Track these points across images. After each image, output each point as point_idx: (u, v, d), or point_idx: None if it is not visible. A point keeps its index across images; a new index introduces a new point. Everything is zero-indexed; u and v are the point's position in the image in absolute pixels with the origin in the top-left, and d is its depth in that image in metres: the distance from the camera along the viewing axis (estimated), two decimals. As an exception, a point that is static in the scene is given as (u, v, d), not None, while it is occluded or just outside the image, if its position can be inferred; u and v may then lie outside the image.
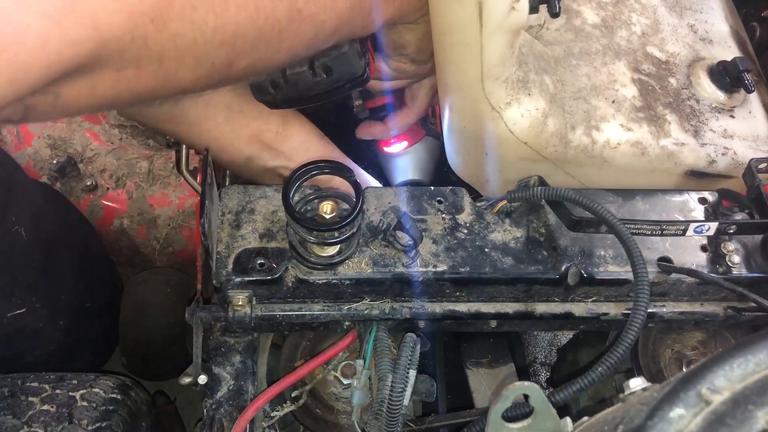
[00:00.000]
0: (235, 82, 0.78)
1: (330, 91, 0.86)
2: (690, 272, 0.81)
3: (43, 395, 0.90)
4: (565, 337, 1.22)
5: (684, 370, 0.85)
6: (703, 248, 0.85)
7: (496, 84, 0.77)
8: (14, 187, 1.10)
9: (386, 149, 1.15)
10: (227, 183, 1.01)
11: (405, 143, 1.14)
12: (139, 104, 0.78)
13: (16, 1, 0.51)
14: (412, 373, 0.79)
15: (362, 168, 1.08)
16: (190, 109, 0.88)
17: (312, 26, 0.73)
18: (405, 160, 1.16)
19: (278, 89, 0.85)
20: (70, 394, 0.91)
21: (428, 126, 1.16)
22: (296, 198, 0.77)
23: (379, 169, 1.20)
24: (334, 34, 0.77)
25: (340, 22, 0.76)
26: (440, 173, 1.18)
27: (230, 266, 0.78)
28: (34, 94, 0.57)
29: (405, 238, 0.79)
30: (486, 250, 0.82)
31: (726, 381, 0.40)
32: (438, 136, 1.16)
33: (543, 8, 0.73)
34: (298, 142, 0.94)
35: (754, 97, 0.95)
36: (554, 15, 0.72)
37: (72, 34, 0.54)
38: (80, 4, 0.54)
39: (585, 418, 0.54)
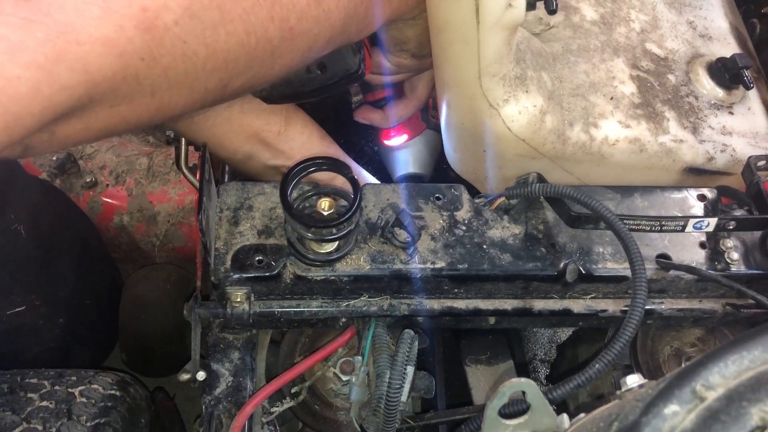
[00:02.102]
0: (231, 99, 0.79)
1: (324, 87, 0.86)
2: (689, 269, 0.81)
3: (42, 391, 0.90)
4: (564, 334, 1.22)
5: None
6: (702, 245, 0.84)
7: (494, 81, 0.77)
8: (13, 185, 1.11)
9: (387, 142, 1.15)
10: (226, 180, 1.01)
11: (405, 136, 1.14)
12: (134, 130, 0.78)
13: (7, 56, 0.53)
14: (410, 369, 0.79)
15: (362, 163, 1.07)
16: None
17: (305, 41, 0.73)
18: (405, 153, 1.16)
19: (273, 86, 0.85)
20: (69, 390, 0.91)
21: (429, 119, 1.15)
22: (294, 195, 0.77)
23: (380, 164, 1.19)
24: (328, 44, 0.77)
25: (334, 33, 0.76)
26: (441, 167, 1.18)
27: (228, 263, 0.78)
28: (30, 136, 0.58)
29: (403, 235, 0.79)
30: (484, 246, 0.82)
31: (720, 377, 0.40)
32: (438, 130, 1.16)
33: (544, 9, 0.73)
34: (299, 143, 0.93)
35: (753, 94, 0.94)
36: (551, 12, 0.72)
37: (63, 80, 0.56)
38: (70, 52, 0.55)
39: (582, 415, 0.54)
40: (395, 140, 1.14)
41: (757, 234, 0.85)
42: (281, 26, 0.69)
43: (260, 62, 0.71)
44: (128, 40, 0.58)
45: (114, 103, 0.62)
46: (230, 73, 0.69)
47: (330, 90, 0.87)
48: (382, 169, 1.20)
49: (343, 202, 0.77)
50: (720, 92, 0.92)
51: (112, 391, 0.94)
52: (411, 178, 1.16)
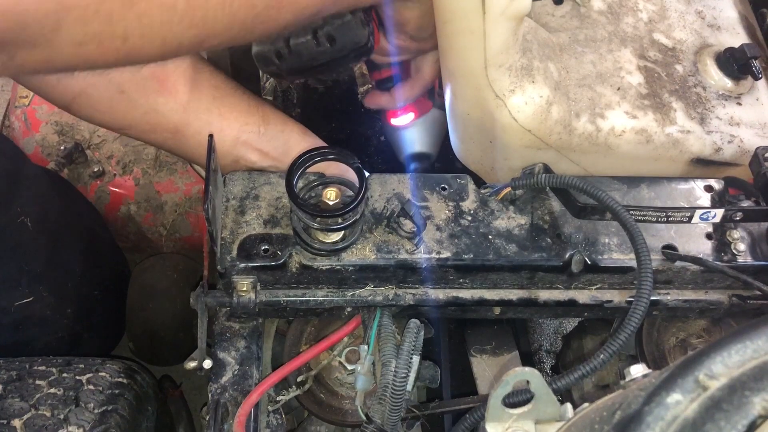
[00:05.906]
0: (205, 51, 0.77)
1: (334, 61, 0.86)
2: (695, 260, 0.81)
3: (50, 378, 0.91)
4: (570, 324, 1.22)
5: (687, 357, 0.85)
6: (709, 236, 0.84)
7: (500, 71, 0.77)
8: (19, 178, 1.11)
9: (393, 121, 1.15)
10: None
11: (412, 115, 1.13)
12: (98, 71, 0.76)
13: None
14: (416, 358, 0.80)
15: (368, 153, 1.07)
16: (172, 117, 0.87)
17: (291, 11, 0.72)
18: (412, 132, 1.16)
19: (282, 60, 0.85)
20: (77, 377, 0.92)
21: (435, 98, 1.15)
22: (300, 184, 0.77)
23: (386, 154, 1.19)
24: (315, 15, 0.76)
25: (325, 4, 0.75)
26: (447, 156, 1.18)
27: (235, 252, 0.78)
28: None
29: (409, 225, 0.79)
30: (490, 237, 0.82)
31: (723, 367, 0.40)
32: (445, 108, 1.15)
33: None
34: (282, 141, 0.92)
35: (761, 84, 0.94)
36: (557, 1, 0.71)
37: None
38: None
39: (585, 404, 0.54)
40: (402, 119, 1.14)
41: (764, 225, 0.85)
42: None
43: (240, 25, 0.69)
44: None
45: (83, 41, 0.60)
46: (208, 32, 0.68)
47: (340, 64, 0.87)
48: (388, 157, 1.20)
49: (349, 192, 0.77)
50: (728, 83, 0.91)
51: (120, 379, 0.94)
52: (418, 157, 1.16)
